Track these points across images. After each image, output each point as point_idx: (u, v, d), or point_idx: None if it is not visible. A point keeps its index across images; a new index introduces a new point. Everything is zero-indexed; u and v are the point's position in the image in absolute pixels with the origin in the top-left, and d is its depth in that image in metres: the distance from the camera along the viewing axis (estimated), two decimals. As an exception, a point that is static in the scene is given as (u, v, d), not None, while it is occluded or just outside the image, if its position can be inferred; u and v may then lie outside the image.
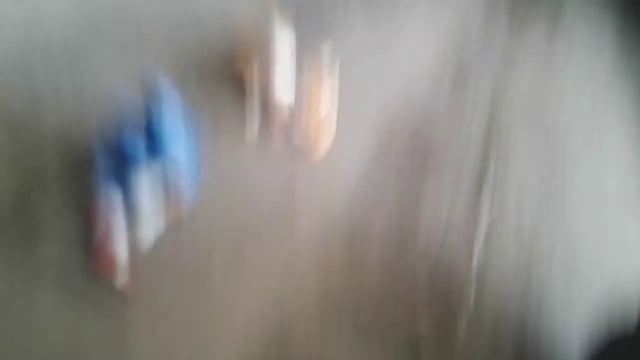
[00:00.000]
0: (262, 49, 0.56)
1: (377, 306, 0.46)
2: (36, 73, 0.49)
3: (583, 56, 1.06)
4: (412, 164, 0.60)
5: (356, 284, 0.46)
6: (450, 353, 0.46)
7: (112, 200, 0.39)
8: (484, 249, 0.56)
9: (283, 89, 0.54)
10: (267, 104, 0.54)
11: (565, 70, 0.97)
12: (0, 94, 0.45)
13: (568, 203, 0.68)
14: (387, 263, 0.49)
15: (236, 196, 0.48)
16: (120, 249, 0.36)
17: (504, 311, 0.51)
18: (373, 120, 0.62)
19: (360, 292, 0.46)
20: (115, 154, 0.40)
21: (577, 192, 0.71)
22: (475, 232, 0.57)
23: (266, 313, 0.41)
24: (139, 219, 0.38)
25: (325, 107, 0.56)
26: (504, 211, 0.61)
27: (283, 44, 0.55)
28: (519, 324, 0.51)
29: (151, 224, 0.38)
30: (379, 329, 0.44)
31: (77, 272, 0.37)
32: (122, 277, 0.35)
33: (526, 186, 0.67)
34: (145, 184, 0.39)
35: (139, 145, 0.39)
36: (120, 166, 0.39)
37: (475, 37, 0.88)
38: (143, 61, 0.55)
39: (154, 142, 0.40)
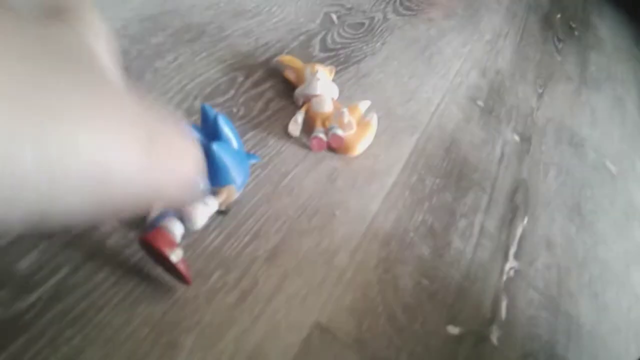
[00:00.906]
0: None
1: (412, 306, 0.45)
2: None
3: (615, 82, 1.09)
4: (446, 173, 0.61)
5: (391, 285, 0.46)
6: (485, 358, 0.46)
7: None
8: (515, 260, 0.56)
9: (326, 86, 0.55)
10: (311, 100, 0.54)
11: (596, 94, 1.00)
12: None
13: (597, 224, 0.69)
14: (421, 265, 0.49)
15: (279, 186, 0.48)
16: (176, 229, 0.36)
17: (536, 325, 0.51)
18: (408, 130, 0.63)
19: (395, 293, 0.46)
20: None
21: (606, 214, 0.72)
22: (508, 244, 0.58)
23: (307, 303, 0.41)
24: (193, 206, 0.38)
25: (365, 108, 0.57)
26: (535, 227, 0.62)
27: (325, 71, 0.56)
28: (549, 339, 0.51)
29: (205, 209, 0.38)
30: (413, 329, 0.44)
31: (132, 250, 0.37)
32: (176, 257, 0.35)
33: (557, 204, 0.67)
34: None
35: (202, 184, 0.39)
36: None
37: (508, 61, 0.91)
38: (193, 50, 0.57)
39: (214, 175, 0.39)
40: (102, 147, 0.18)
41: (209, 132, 0.41)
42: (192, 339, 0.35)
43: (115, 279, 0.35)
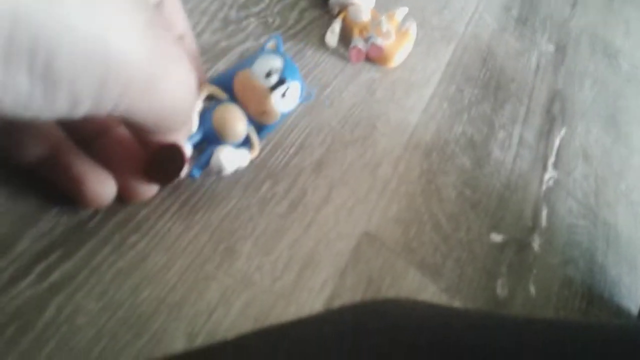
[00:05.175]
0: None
1: (455, 215, 0.46)
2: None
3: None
4: (484, 84, 0.59)
5: (434, 195, 0.46)
6: (527, 264, 0.46)
7: None
8: (554, 170, 0.56)
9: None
10: (347, 8, 0.52)
11: (629, 4, 0.96)
12: None
13: (632, 135, 0.68)
14: (463, 175, 0.49)
15: (320, 98, 0.47)
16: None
17: (575, 233, 0.52)
18: (444, 40, 0.61)
19: (439, 202, 0.46)
20: None
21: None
22: (546, 155, 0.57)
23: (354, 213, 0.42)
24: None
25: (402, 16, 0.55)
26: (572, 137, 0.61)
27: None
28: (589, 246, 0.51)
29: (234, 155, 0.35)
30: (458, 236, 0.45)
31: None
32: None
33: (592, 115, 0.66)
34: None
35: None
36: None
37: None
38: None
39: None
40: (98, 22, 0.17)
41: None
42: (249, 246, 0.36)
43: (170, 188, 0.35)
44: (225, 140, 0.34)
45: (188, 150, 0.32)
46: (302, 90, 0.37)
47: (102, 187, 0.29)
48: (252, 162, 0.39)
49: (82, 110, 0.19)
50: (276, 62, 0.35)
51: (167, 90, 0.23)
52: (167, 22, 0.30)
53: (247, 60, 0.36)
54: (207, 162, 0.35)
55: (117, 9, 0.19)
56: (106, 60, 0.18)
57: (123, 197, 0.31)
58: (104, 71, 0.18)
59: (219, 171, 0.34)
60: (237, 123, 0.35)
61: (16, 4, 0.15)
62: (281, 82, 0.34)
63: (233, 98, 0.36)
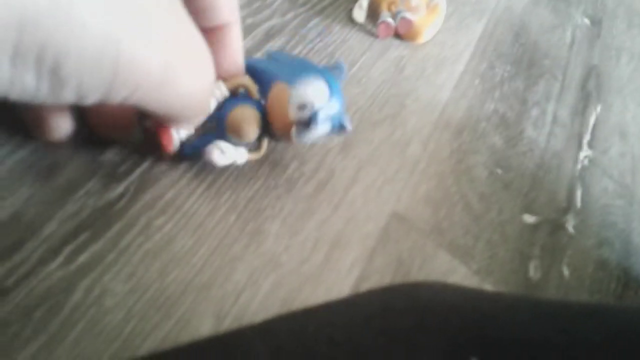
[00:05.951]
0: None
1: (487, 195, 0.45)
2: None
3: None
4: (517, 60, 0.57)
5: (465, 174, 0.45)
6: (561, 246, 0.45)
7: None
8: (589, 149, 0.54)
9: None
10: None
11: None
12: None
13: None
14: (495, 154, 0.48)
15: (347, 75, 0.46)
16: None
17: (611, 213, 0.50)
18: (475, 15, 0.59)
19: (470, 182, 0.45)
20: None
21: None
22: (581, 133, 0.55)
23: (383, 193, 0.41)
24: None
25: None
26: (608, 115, 0.59)
27: None
28: (625, 227, 0.50)
29: (230, 150, 0.34)
30: (489, 217, 0.44)
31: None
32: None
33: (629, 92, 0.64)
34: None
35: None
36: None
37: None
38: None
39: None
40: (111, 26, 0.17)
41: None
42: (276, 227, 0.35)
43: (197, 169, 0.35)
44: (231, 138, 0.34)
45: (185, 132, 0.33)
46: (335, 125, 0.32)
47: (60, 121, 0.28)
48: (278, 142, 0.39)
49: (89, 102, 0.19)
50: (317, 97, 0.31)
51: (179, 90, 0.23)
52: (206, 8, 0.29)
53: (297, 67, 0.34)
54: (201, 147, 0.34)
55: (134, 9, 0.18)
56: (116, 64, 0.18)
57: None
58: (113, 74, 0.18)
59: (209, 162, 0.33)
60: (250, 130, 0.33)
61: (24, 11, 0.15)
62: (308, 122, 0.31)
63: (264, 96, 0.34)
